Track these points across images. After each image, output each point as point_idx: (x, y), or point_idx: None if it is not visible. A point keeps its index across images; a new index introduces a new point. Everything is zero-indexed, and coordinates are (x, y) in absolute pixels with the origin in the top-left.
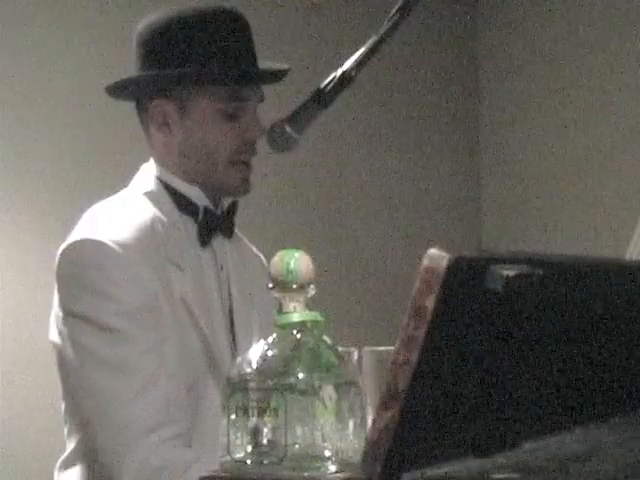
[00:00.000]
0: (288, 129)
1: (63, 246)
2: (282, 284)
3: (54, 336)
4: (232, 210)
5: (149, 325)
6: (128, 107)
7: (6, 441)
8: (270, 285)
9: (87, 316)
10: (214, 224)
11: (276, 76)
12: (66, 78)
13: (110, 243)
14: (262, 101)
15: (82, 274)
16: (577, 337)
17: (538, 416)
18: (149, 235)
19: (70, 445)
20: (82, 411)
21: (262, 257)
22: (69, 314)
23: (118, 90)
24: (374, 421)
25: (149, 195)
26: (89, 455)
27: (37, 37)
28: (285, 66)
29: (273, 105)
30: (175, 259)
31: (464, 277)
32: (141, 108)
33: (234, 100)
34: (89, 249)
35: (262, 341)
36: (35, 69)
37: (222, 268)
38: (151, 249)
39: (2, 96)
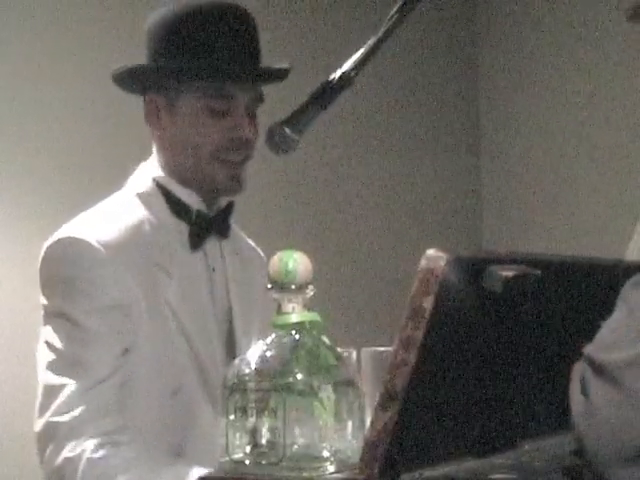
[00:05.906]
0: (287, 131)
1: (47, 243)
2: (281, 285)
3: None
4: (227, 211)
5: (119, 327)
6: (131, 106)
7: (5, 439)
8: (269, 286)
9: (59, 311)
10: (206, 227)
11: (265, 74)
12: (68, 77)
13: (92, 242)
14: (261, 101)
15: (60, 270)
16: (575, 337)
17: (537, 416)
18: (136, 238)
19: None
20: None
21: (260, 251)
22: (44, 308)
23: (122, 82)
24: (372, 421)
25: (142, 197)
26: None
27: (39, 36)
28: (285, 65)
29: (273, 106)
30: (163, 263)
31: (462, 278)
32: (144, 103)
33: (220, 97)
34: (70, 246)
35: (261, 342)
36: (36, 69)
37: (214, 270)
38: (136, 252)
39: (2, 95)
